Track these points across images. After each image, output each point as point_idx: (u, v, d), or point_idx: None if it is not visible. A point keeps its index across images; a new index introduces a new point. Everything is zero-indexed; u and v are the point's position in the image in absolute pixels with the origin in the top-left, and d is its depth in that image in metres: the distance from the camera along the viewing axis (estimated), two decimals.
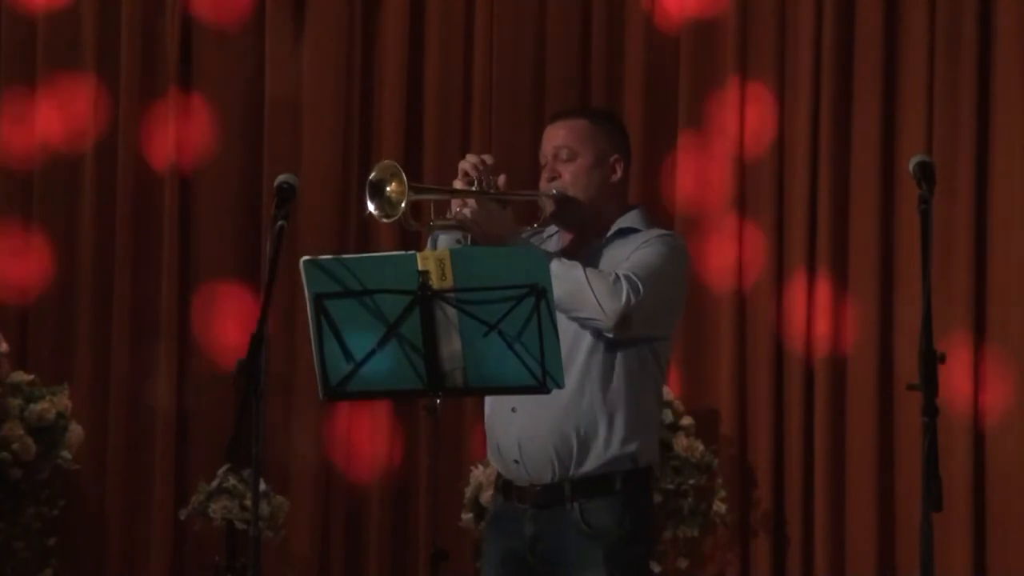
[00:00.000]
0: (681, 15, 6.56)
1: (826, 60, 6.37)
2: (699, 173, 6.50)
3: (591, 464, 3.96)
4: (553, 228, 4.15)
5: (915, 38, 6.32)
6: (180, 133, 6.74)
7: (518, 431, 4.00)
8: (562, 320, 3.92)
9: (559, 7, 6.66)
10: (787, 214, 6.42)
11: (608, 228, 4.08)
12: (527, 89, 6.64)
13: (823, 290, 6.33)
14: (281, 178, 3.82)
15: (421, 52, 6.73)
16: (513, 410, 3.99)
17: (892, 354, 6.28)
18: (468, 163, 3.98)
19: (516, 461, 4.01)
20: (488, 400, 4.08)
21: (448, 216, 3.95)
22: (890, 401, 6.27)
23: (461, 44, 6.69)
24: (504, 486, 4.10)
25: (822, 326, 6.32)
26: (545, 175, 4.10)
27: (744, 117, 6.45)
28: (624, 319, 3.87)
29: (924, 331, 3.56)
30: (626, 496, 3.97)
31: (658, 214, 4.62)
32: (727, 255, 6.41)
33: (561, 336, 3.90)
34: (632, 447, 3.98)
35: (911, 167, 3.78)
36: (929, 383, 3.54)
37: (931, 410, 3.52)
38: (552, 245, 4.14)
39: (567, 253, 4.04)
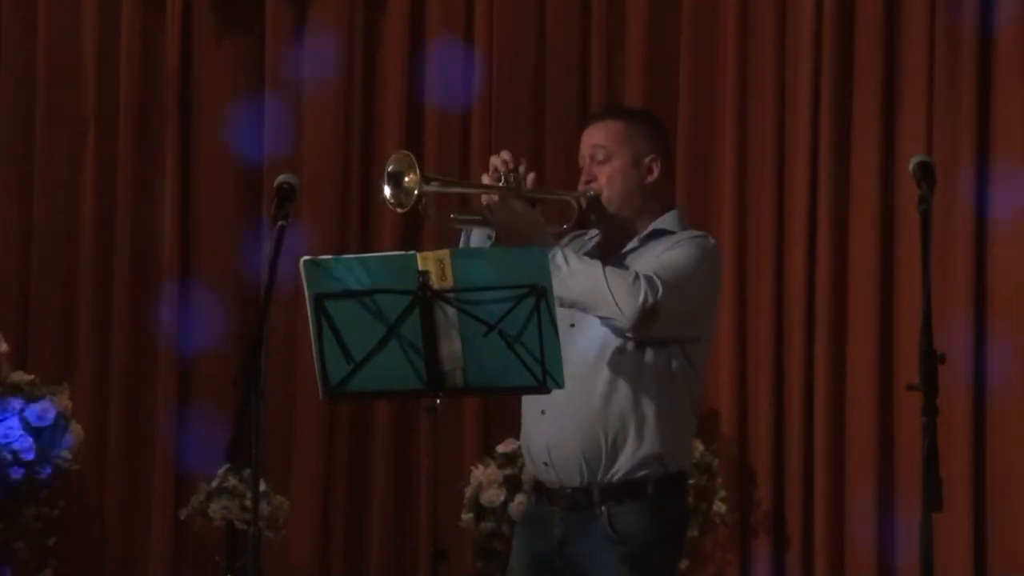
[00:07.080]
0: (681, 15, 6.55)
1: (826, 60, 6.36)
2: (699, 173, 6.49)
3: (620, 469, 3.94)
4: (595, 231, 4.13)
5: (915, 38, 6.30)
6: (181, 133, 6.75)
7: (547, 434, 3.98)
8: (591, 324, 3.92)
9: (559, 6, 6.65)
10: (787, 214, 6.41)
11: (644, 229, 4.07)
12: (527, 88, 6.64)
13: (823, 290, 6.32)
14: (281, 178, 3.82)
15: (422, 52, 6.73)
16: (543, 412, 3.97)
17: (892, 354, 6.28)
18: (498, 159, 3.98)
19: (545, 464, 3.99)
20: (523, 401, 4.06)
21: (473, 211, 3.94)
22: (890, 401, 6.26)
23: (461, 44, 6.68)
24: (536, 487, 4.10)
25: (822, 326, 6.31)
26: (583, 178, 4.09)
27: (744, 117, 6.44)
28: (642, 319, 3.84)
29: (924, 331, 3.57)
30: (656, 501, 3.94)
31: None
32: (727, 256, 6.40)
33: (590, 339, 3.91)
34: (662, 451, 3.94)
35: (911, 167, 3.78)
36: (929, 383, 3.54)
37: (931, 410, 3.52)
38: (592, 247, 4.12)
39: (603, 254, 4.02)
